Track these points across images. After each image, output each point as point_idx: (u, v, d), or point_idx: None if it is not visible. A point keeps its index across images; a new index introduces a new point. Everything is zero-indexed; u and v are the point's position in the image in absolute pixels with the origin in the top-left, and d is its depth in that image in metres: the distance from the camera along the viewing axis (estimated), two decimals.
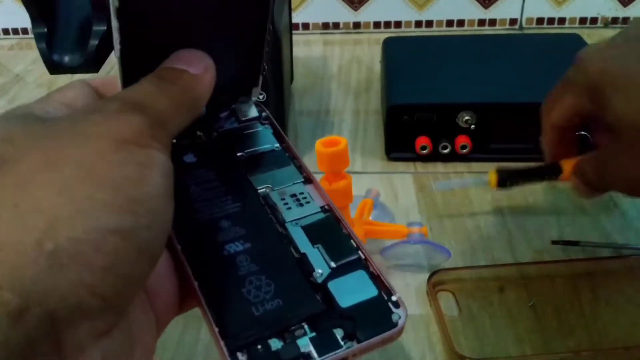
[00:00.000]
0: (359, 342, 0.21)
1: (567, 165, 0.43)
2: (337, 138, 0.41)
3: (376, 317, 0.22)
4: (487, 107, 0.58)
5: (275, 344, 0.21)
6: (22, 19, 0.85)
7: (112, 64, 0.63)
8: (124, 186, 0.20)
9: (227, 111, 0.30)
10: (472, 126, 0.59)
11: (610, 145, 0.39)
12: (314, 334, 0.21)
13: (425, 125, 0.59)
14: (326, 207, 0.27)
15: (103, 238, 0.19)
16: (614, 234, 0.50)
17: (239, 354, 0.21)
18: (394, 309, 0.22)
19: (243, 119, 0.30)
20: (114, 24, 0.22)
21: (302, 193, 0.27)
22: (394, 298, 0.23)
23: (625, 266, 0.46)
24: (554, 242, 0.49)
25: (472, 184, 0.51)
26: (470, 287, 0.44)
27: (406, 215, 0.53)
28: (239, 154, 0.28)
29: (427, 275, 0.44)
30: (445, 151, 0.60)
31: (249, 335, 0.21)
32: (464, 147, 0.59)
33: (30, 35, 0.90)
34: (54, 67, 0.57)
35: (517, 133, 0.60)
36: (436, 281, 0.44)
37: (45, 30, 0.56)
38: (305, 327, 0.22)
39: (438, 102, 0.59)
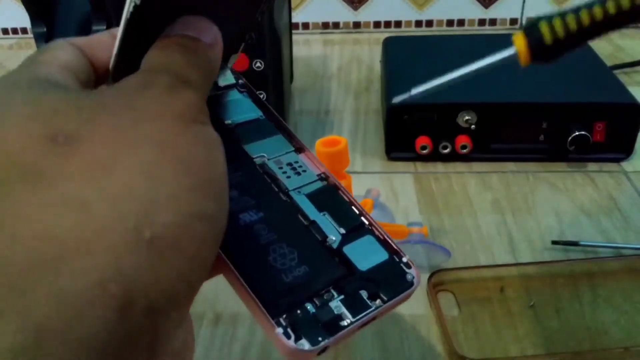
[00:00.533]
0: (383, 302, 0.22)
1: None
2: (337, 138, 0.41)
3: (393, 278, 0.23)
4: (488, 106, 0.58)
5: (310, 308, 0.22)
6: (22, 18, 0.85)
7: None
8: (204, 168, 0.19)
9: None
10: (473, 126, 0.59)
11: None
12: (342, 296, 0.22)
13: (425, 125, 0.59)
14: (322, 175, 0.27)
15: (193, 223, 0.18)
16: (614, 234, 0.50)
17: (281, 320, 0.21)
18: (406, 270, 0.24)
19: (221, 85, 0.29)
20: None
21: (297, 162, 0.27)
22: (404, 260, 0.24)
23: (625, 266, 0.46)
24: (554, 242, 0.49)
25: (497, 60, 0.33)
26: (471, 287, 0.44)
27: (406, 216, 0.53)
28: (227, 122, 0.28)
29: (427, 276, 0.44)
30: (446, 151, 0.60)
31: (285, 302, 0.22)
32: (464, 147, 0.59)
33: (30, 35, 0.90)
34: None
35: (518, 133, 0.60)
36: (436, 281, 0.44)
37: (45, 30, 0.56)
38: (332, 291, 0.22)
39: (438, 101, 0.59)
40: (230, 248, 0.23)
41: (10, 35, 0.96)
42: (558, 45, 0.25)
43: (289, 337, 0.21)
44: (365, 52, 0.86)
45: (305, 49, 0.89)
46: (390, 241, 0.25)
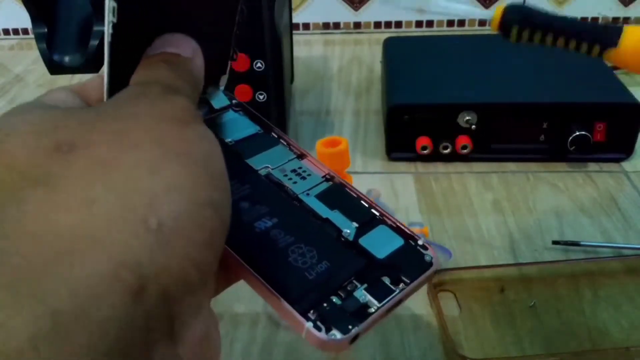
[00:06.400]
0: (406, 284, 0.23)
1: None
2: (338, 138, 0.41)
3: (412, 260, 0.24)
4: (488, 107, 0.58)
5: (336, 300, 0.22)
6: (22, 19, 0.85)
7: None
8: (203, 160, 0.20)
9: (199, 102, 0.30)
10: (473, 126, 0.59)
11: None
12: (365, 285, 0.23)
13: (425, 125, 0.59)
14: (327, 176, 0.28)
15: (199, 212, 0.19)
16: (614, 234, 0.50)
17: (309, 315, 0.22)
18: (423, 251, 0.25)
19: (216, 108, 0.30)
20: (109, 4, 0.22)
21: (300, 167, 0.28)
22: (420, 242, 0.25)
23: (626, 266, 0.46)
24: (555, 242, 0.49)
25: (469, 13, 0.34)
26: (471, 287, 0.44)
27: (407, 216, 0.53)
28: (227, 141, 0.29)
29: None
30: (446, 151, 0.60)
31: (311, 297, 0.22)
32: (464, 147, 0.59)
33: (31, 35, 0.90)
34: (55, 68, 0.57)
35: (518, 133, 0.60)
36: (437, 281, 0.44)
37: (46, 30, 0.56)
38: (355, 281, 0.23)
39: (439, 102, 0.59)
40: (250, 255, 0.24)
41: (11, 35, 0.96)
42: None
43: (319, 330, 0.21)
44: (366, 53, 0.86)
45: (305, 49, 0.89)
46: (403, 227, 0.25)
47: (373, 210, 0.26)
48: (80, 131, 0.19)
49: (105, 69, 0.23)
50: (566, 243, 0.49)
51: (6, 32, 0.96)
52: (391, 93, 0.62)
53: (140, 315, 0.17)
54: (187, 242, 0.18)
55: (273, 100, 0.58)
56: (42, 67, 0.59)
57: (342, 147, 0.40)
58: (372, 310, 0.22)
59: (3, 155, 0.19)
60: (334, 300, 0.22)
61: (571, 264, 0.46)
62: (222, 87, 0.30)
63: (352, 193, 0.27)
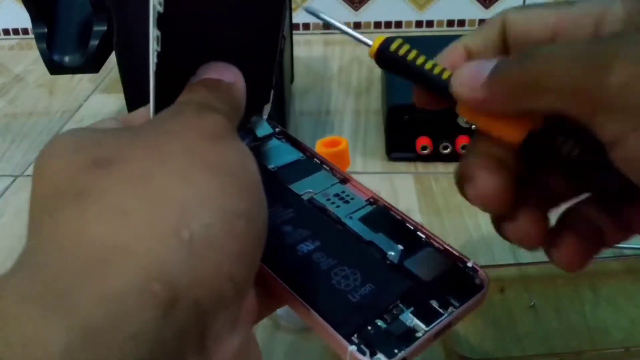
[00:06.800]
0: (455, 307, 0.22)
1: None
2: (338, 138, 0.41)
3: (461, 283, 0.24)
4: None
5: (381, 323, 0.22)
6: (22, 19, 0.85)
7: (112, 65, 0.64)
8: (236, 172, 0.20)
9: (243, 131, 0.30)
10: (473, 126, 0.59)
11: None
12: (411, 308, 0.22)
13: (425, 125, 0.59)
14: (371, 199, 0.28)
15: (231, 222, 0.19)
16: None
17: (353, 338, 0.21)
18: (473, 274, 0.24)
19: (260, 136, 0.30)
20: (153, 32, 0.22)
21: (343, 191, 0.28)
22: (469, 264, 0.24)
23: (626, 266, 0.46)
24: None
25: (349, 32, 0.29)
26: None
27: None
28: (270, 167, 0.29)
29: None
30: (446, 151, 0.60)
31: (355, 320, 0.22)
32: (464, 147, 0.59)
33: (31, 35, 0.90)
34: (55, 68, 0.57)
35: None
36: None
37: (46, 30, 0.56)
38: (401, 305, 0.23)
39: None
40: (293, 277, 0.23)
41: (11, 35, 0.96)
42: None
43: (364, 354, 0.21)
44: (366, 53, 0.86)
45: (305, 49, 0.89)
46: (451, 249, 0.25)
47: (419, 233, 0.26)
48: (117, 147, 0.20)
49: (150, 96, 0.24)
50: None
51: (6, 32, 0.96)
52: (391, 93, 0.62)
53: (172, 328, 0.17)
54: (219, 254, 0.18)
55: (273, 100, 0.58)
56: (42, 67, 0.59)
57: (342, 147, 0.40)
58: (420, 334, 0.21)
59: (44, 171, 0.19)
60: (379, 323, 0.22)
61: None
62: (265, 116, 0.31)
63: (396, 216, 0.27)
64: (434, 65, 0.25)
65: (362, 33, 0.27)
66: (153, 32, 0.22)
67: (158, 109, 0.24)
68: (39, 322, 0.15)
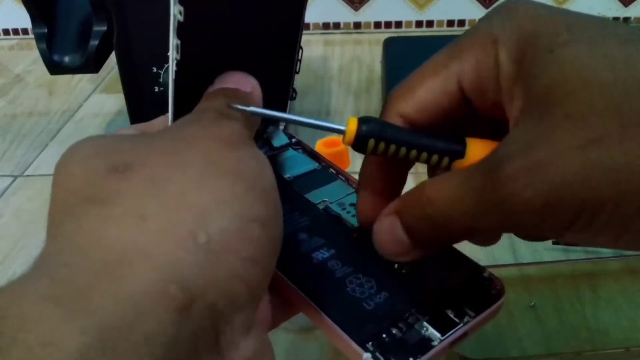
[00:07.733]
0: (471, 317, 0.22)
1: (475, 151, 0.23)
2: (338, 138, 0.41)
3: (478, 292, 0.24)
4: None
5: (396, 332, 0.22)
6: (22, 19, 0.85)
7: (112, 65, 0.63)
8: (252, 178, 0.20)
9: (260, 141, 0.31)
10: None
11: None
12: (427, 317, 0.22)
13: None
14: None
15: (246, 227, 0.19)
16: None
17: (368, 346, 0.21)
18: (490, 284, 0.24)
19: (276, 146, 0.31)
20: (173, 41, 0.22)
21: None
22: (485, 274, 0.24)
23: (626, 266, 0.46)
24: (555, 242, 0.49)
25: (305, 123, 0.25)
26: None
27: None
28: (286, 177, 0.30)
29: None
30: None
31: (370, 328, 0.22)
32: None
33: (31, 35, 0.90)
34: (54, 68, 0.57)
35: None
36: None
37: (46, 30, 0.56)
38: (416, 313, 0.23)
39: None
40: (307, 284, 0.24)
41: (11, 35, 0.96)
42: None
43: None
44: (366, 53, 0.86)
45: (305, 49, 0.89)
46: (468, 258, 0.25)
47: None
48: (135, 153, 0.20)
49: (169, 104, 0.24)
50: (566, 243, 0.49)
51: (6, 32, 0.96)
52: None
53: (187, 330, 0.17)
54: (234, 258, 0.18)
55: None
56: (42, 67, 0.59)
57: (342, 147, 0.40)
58: (435, 343, 0.21)
59: (64, 176, 0.20)
60: (393, 331, 0.22)
61: (571, 264, 0.46)
62: (281, 127, 0.31)
63: None
64: (418, 155, 0.24)
65: (362, 33, 0.27)
66: (173, 41, 0.22)
67: (176, 116, 0.24)
68: (58, 323, 0.15)
